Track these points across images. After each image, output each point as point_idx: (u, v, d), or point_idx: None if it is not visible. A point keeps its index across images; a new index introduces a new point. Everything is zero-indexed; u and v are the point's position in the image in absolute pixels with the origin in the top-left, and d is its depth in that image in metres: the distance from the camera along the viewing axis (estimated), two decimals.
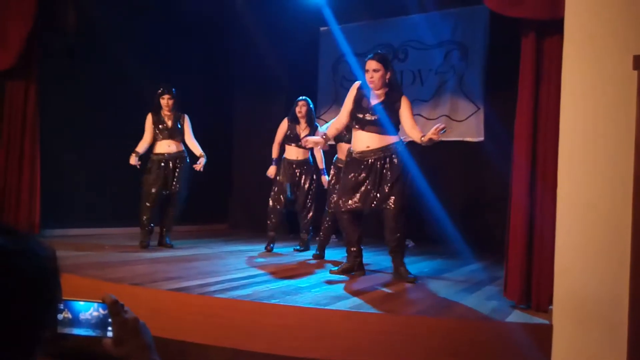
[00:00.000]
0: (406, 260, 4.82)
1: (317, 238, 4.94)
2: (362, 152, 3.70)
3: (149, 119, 4.97)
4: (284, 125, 5.16)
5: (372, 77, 3.64)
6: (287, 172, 5.07)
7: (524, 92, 2.91)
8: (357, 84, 3.85)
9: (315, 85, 7.37)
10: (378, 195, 3.63)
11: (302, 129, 5.09)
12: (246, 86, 7.61)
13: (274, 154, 5.19)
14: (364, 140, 3.69)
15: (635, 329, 2.28)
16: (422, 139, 3.56)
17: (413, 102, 6.65)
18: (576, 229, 2.50)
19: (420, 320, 2.57)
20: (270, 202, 5.09)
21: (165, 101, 4.92)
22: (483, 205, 6.05)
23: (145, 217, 4.85)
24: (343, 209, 3.73)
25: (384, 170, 3.64)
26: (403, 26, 6.83)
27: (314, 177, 5.17)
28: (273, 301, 2.85)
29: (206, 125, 5.62)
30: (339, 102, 6.13)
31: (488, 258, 5.00)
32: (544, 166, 2.78)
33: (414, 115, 6.52)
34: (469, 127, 6.32)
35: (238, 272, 3.80)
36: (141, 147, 4.93)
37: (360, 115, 3.71)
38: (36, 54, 4.77)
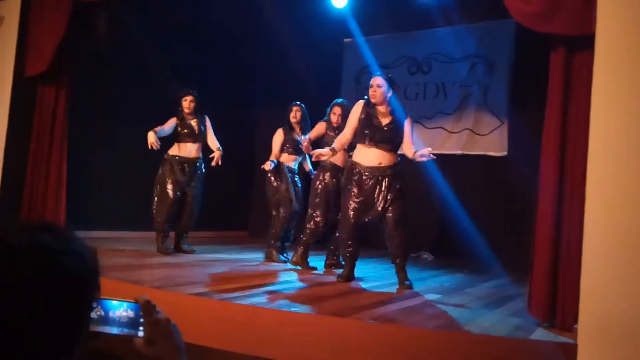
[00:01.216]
0: (426, 273, 4.87)
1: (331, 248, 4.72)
2: (372, 168, 3.87)
3: (172, 121, 4.96)
4: (280, 136, 4.94)
5: (375, 92, 3.89)
6: (288, 179, 4.84)
7: (552, 108, 2.88)
8: (361, 102, 4.03)
9: (338, 95, 7.38)
10: (381, 208, 3.82)
11: (299, 135, 4.93)
12: (269, 96, 7.67)
13: (274, 157, 4.87)
14: (378, 157, 3.88)
15: None
16: (415, 154, 3.84)
17: (436, 115, 6.72)
18: (604, 247, 2.45)
19: (442, 335, 2.54)
20: (278, 210, 4.81)
21: (187, 103, 4.96)
22: (506, 221, 5.97)
23: (160, 220, 4.83)
24: (352, 219, 3.85)
25: (390, 186, 3.84)
26: (427, 39, 6.84)
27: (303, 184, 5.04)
28: (293, 309, 2.85)
29: (229, 134, 5.67)
30: None
31: (510, 274, 4.92)
32: (572, 182, 2.74)
33: (436, 128, 6.62)
34: (492, 142, 6.28)
35: (258, 279, 3.81)
36: (160, 129, 4.81)
37: (373, 133, 3.88)
38: (67, 60, 4.86)
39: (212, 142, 5.09)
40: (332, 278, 4.11)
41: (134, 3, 5.45)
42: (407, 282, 3.83)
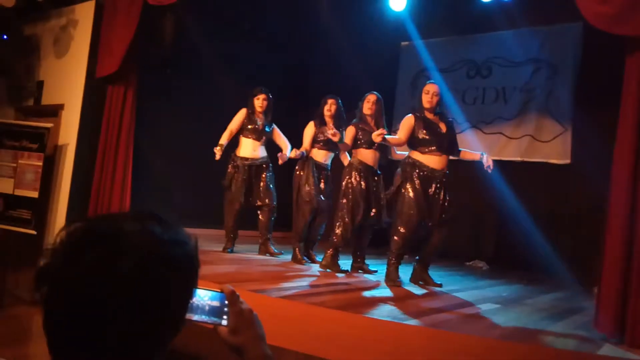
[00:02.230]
0: (483, 282, 4.78)
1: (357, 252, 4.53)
2: (434, 170, 3.94)
3: (243, 113, 4.99)
4: (311, 129, 4.75)
5: (432, 99, 4.01)
6: (314, 175, 4.66)
7: (626, 115, 2.75)
8: (412, 116, 4.07)
9: (393, 99, 7.33)
10: (439, 212, 3.90)
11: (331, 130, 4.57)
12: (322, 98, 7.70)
13: (305, 149, 4.70)
14: (442, 161, 3.97)
15: None
16: (483, 157, 4.04)
17: (495, 120, 6.57)
18: None
19: (505, 345, 2.46)
20: (301, 209, 4.63)
21: (260, 101, 4.97)
22: (568, 231, 5.73)
23: (230, 224, 4.91)
24: (416, 219, 3.86)
25: (447, 190, 3.95)
26: (487, 42, 6.69)
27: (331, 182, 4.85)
28: (348, 311, 2.85)
29: (286, 136, 5.74)
30: None
31: (571, 286, 4.74)
32: None
33: (495, 133, 6.47)
34: (554, 149, 6.06)
35: (313, 279, 3.84)
36: (225, 138, 4.89)
37: (440, 142, 3.96)
38: (135, 61, 5.09)
39: (285, 144, 5.06)
40: (369, 281, 4.05)
41: (198, 7, 5.61)
42: (439, 282, 4.03)
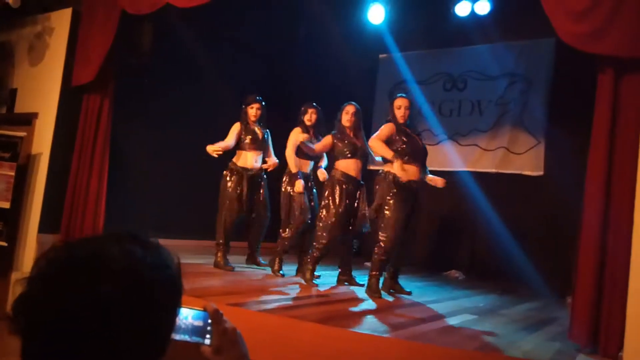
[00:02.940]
0: (459, 293, 4.82)
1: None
2: (410, 182, 3.96)
3: (236, 127, 4.82)
4: (297, 136, 4.58)
5: (404, 113, 4.09)
6: (305, 188, 4.57)
7: (599, 130, 2.83)
8: (392, 124, 4.08)
9: (371, 110, 7.38)
10: (416, 221, 4.18)
11: (312, 139, 4.60)
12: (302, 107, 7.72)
13: (296, 167, 4.57)
14: (417, 172, 4.03)
15: None
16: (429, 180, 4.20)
17: (470, 132, 6.68)
18: None
19: (484, 357, 2.49)
20: (289, 221, 4.58)
21: (253, 111, 4.82)
22: (541, 242, 5.84)
23: (225, 235, 4.67)
24: (400, 231, 3.89)
25: (419, 200, 4.14)
26: (463, 56, 6.82)
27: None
28: (329, 324, 2.85)
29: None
30: None
31: (544, 296, 4.83)
32: (620, 204, 2.68)
33: (470, 145, 6.58)
34: (528, 161, 6.19)
35: (294, 292, 3.82)
36: (222, 145, 4.66)
37: (416, 153, 4.04)
38: (112, 70, 5.00)
39: (269, 151, 4.98)
40: (349, 293, 4.05)
41: (178, 16, 5.56)
42: (409, 290, 4.18)
